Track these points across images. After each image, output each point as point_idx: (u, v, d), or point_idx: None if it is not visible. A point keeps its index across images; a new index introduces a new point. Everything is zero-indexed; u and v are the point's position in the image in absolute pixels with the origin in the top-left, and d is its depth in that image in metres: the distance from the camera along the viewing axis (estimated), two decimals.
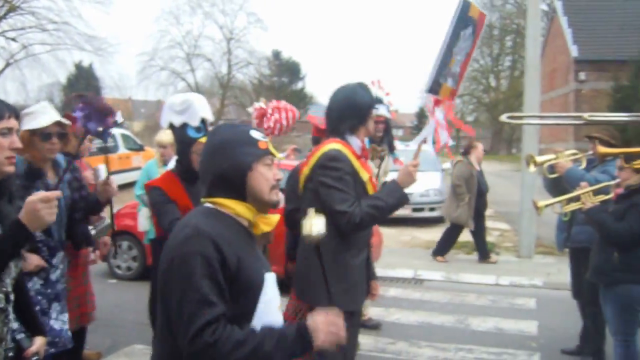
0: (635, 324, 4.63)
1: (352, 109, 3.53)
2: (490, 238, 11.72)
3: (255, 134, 2.27)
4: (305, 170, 3.57)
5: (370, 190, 3.55)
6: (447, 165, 16.57)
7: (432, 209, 13.62)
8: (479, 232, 10.20)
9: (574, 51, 23.62)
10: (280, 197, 2.29)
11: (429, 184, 13.28)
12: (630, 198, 4.48)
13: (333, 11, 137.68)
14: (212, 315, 1.99)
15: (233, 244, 2.12)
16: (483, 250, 10.24)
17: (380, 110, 6.29)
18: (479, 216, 10.02)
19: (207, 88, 46.52)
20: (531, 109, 10.28)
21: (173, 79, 46.51)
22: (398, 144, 6.96)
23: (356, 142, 3.58)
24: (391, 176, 4.38)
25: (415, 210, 13.30)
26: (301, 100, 45.16)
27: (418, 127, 54.81)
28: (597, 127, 5.35)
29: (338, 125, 3.57)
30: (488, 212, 15.88)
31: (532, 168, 5.43)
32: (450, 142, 3.78)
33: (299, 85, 50.36)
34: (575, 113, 2.42)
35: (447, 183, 19.95)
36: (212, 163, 2.24)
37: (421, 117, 55.94)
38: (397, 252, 10.64)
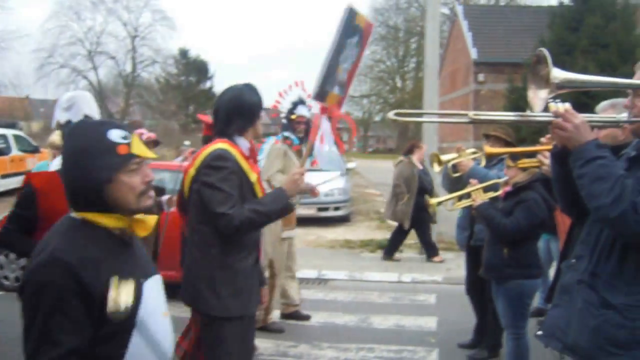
0: (526, 318, 4.77)
1: (240, 110, 3.46)
2: None
3: (114, 135, 2.02)
4: (191, 171, 3.45)
5: (259, 191, 3.47)
6: (352, 165, 16.75)
7: (337, 208, 13.72)
8: (424, 230, 10.25)
9: (473, 53, 24.38)
10: (164, 199, 2.14)
11: (333, 183, 13.35)
12: (517, 195, 4.62)
13: (244, 9, 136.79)
14: (54, 354, 1.85)
15: (101, 262, 1.96)
16: (428, 249, 10.32)
17: (301, 111, 6.27)
18: (422, 215, 9.81)
19: (111, 86, 45.15)
20: (430, 109, 10.49)
21: (74, 77, 44.96)
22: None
23: (244, 143, 3.50)
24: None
25: (320, 209, 13.36)
26: (209, 99, 44.43)
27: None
28: (494, 126, 5.47)
29: (226, 126, 3.48)
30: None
31: (437, 167, 5.50)
32: (333, 151, 3.75)
33: (207, 84, 49.61)
34: (461, 111, 2.43)
35: (352, 182, 20.39)
36: (66, 176, 2.04)
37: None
38: (301, 252, 10.57)
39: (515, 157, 4.43)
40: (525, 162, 4.09)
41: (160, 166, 8.53)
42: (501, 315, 4.86)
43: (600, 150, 2.38)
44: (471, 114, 2.52)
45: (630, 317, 2.35)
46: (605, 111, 3.39)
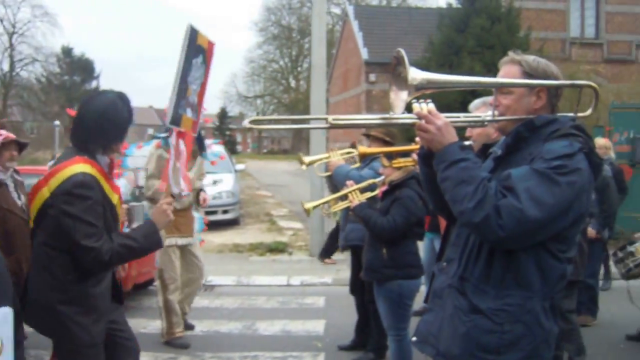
0: (407, 319, 4.73)
1: (108, 126, 3.14)
2: (283, 238, 11.77)
3: None
4: (45, 193, 3.09)
5: (120, 213, 3.27)
6: (241, 166, 16.50)
7: (225, 212, 13.42)
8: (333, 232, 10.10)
9: (364, 54, 24.66)
10: None
11: (221, 186, 13.06)
12: (393, 193, 4.58)
13: (132, 6, 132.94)
14: None
15: None
16: (324, 250, 10.17)
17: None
18: None
19: None
20: (317, 109, 10.43)
21: None
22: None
23: (104, 159, 3.22)
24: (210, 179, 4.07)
25: (207, 213, 12.96)
26: None
27: (220, 128, 54.61)
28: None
29: (89, 141, 3.16)
30: (282, 212, 16.15)
31: (304, 167, 5.42)
32: (183, 189, 3.54)
33: (93, 84, 47.69)
34: (322, 115, 2.29)
35: (243, 184, 20.15)
36: None
37: (222, 117, 55.76)
38: None
39: (390, 156, 4.38)
40: (400, 162, 4.04)
41: (32, 171, 7.94)
42: (382, 317, 4.81)
43: (463, 152, 2.29)
44: (330, 118, 2.38)
45: (498, 322, 2.30)
46: (478, 109, 3.35)
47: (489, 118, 2.52)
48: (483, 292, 2.34)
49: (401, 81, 2.30)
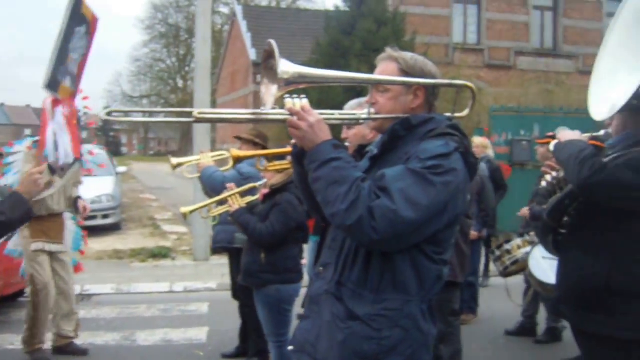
0: (287, 324, 4.60)
1: None
2: (167, 243, 11.38)
3: None
4: None
5: None
6: (122, 169, 15.86)
7: (105, 216, 12.81)
8: None
9: (252, 54, 24.45)
10: None
11: (101, 189, 12.43)
12: (274, 197, 4.45)
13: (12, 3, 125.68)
14: None
15: None
16: None
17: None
18: None
19: None
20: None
21: None
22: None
23: None
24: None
25: (86, 218, 12.32)
26: None
27: (104, 129, 52.64)
28: (247, 127, 5.30)
29: None
30: (167, 215, 15.67)
31: (173, 169, 5.26)
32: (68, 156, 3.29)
33: None
34: (186, 109, 2.10)
35: (126, 187, 19.40)
36: None
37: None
38: None
39: (270, 159, 4.22)
40: (276, 165, 3.89)
41: None
42: (262, 323, 4.67)
43: (336, 151, 2.17)
44: (196, 112, 2.19)
45: (377, 328, 2.21)
46: (354, 109, 3.25)
47: (364, 116, 2.42)
48: (360, 297, 2.24)
49: (273, 75, 2.15)
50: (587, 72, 21.76)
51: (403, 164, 2.18)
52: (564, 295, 3.20)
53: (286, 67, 2.12)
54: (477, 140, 7.71)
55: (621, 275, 2.87)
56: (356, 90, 11.75)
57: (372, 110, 2.41)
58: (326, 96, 14.13)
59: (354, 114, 2.47)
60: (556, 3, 23.11)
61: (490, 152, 8.08)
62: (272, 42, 2.15)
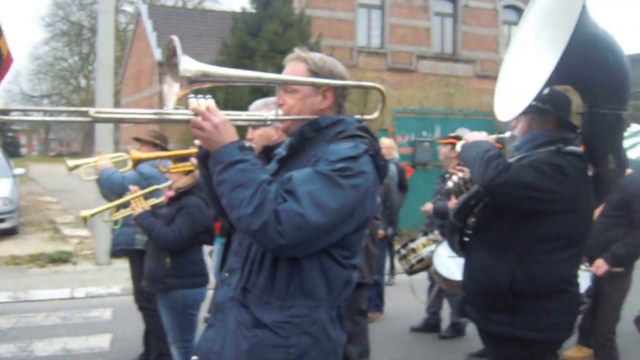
0: (193, 330, 4.51)
1: None
2: (67, 247, 10.95)
3: None
4: None
5: None
6: (20, 170, 15.12)
7: (1, 220, 12.16)
8: None
9: (157, 54, 23.95)
10: None
11: None
12: (179, 200, 4.34)
13: None
14: None
15: None
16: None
17: None
18: None
19: None
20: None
21: None
22: None
23: None
24: None
25: None
26: None
27: (1, 129, 50.00)
28: (146, 129, 5.21)
29: None
30: (68, 219, 15.05)
31: (69, 171, 5.09)
32: None
33: None
34: (82, 107, 2.00)
35: (24, 190, 18.48)
36: None
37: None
38: None
39: (173, 160, 4.12)
40: (180, 166, 3.80)
41: None
42: (166, 329, 4.54)
43: (242, 152, 2.12)
44: (93, 111, 2.10)
45: (284, 335, 2.16)
46: (260, 110, 3.21)
47: (272, 117, 2.38)
48: (267, 304, 2.19)
49: (175, 73, 2.08)
50: (484, 76, 22.78)
51: (311, 166, 2.14)
52: (468, 295, 3.25)
53: (188, 64, 2.06)
54: (385, 142, 7.84)
55: (523, 276, 2.93)
56: (263, 91, 11.74)
57: (280, 112, 2.37)
58: (232, 97, 14.03)
59: (261, 115, 2.42)
60: (455, 10, 23.96)
61: (396, 154, 8.24)
62: (175, 38, 2.09)
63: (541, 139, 3.13)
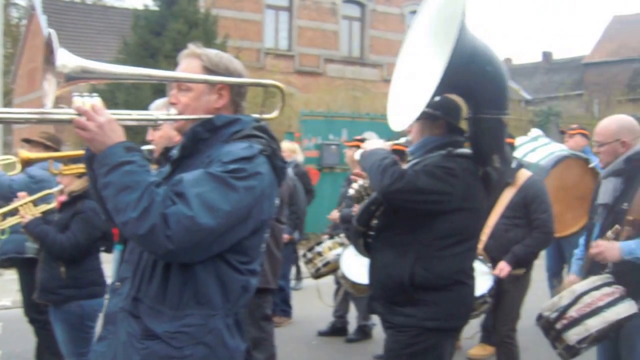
0: (89, 342, 4.26)
1: None
2: None
3: None
4: None
5: None
6: None
7: None
8: None
9: None
10: None
11: None
12: (74, 205, 4.11)
13: None
14: None
15: None
16: None
17: None
18: None
19: None
20: None
21: None
22: None
23: None
24: None
25: None
26: None
27: None
28: (40, 130, 4.91)
29: None
30: None
31: None
32: None
33: None
34: None
35: None
36: None
37: None
38: None
39: (65, 162, 3.89)
40: (73, 168, 3.58)
41: None
42: (60, 342, 4.29)
43: (129, 154, 1.98)
44: None
45: (177, 346, 2.05)
46: (160, 109, 3.05)
47: (163, 117, 2.24)
48: (159, 313, 2.07)
49: (54, 69, 1.91)
50: (390, 81, 23.14)
51: (205, 167, 2.05)
52: (374, 292, 3.36)
53: (65, 59, 1.89)
54: (285, 145, 7.74)
55: (423, 270, 3.06)
56: (166, 91, 11.39)
57: (174, 111, 2.25)
58: (134, 97, 13.59)
59: (152, 115, 2.27)
60: (363, 14, 24.27)
61: (299, 157, 8.14)
62: (52, 31, 1.93)
63: (432, 143, 3.27)
